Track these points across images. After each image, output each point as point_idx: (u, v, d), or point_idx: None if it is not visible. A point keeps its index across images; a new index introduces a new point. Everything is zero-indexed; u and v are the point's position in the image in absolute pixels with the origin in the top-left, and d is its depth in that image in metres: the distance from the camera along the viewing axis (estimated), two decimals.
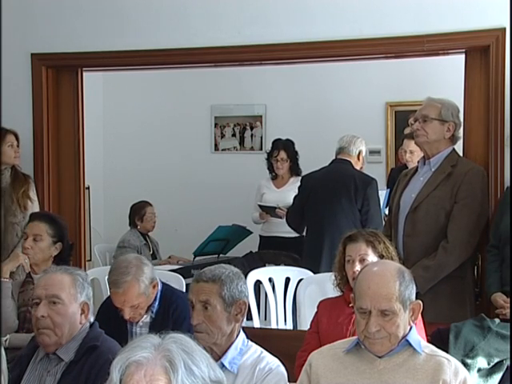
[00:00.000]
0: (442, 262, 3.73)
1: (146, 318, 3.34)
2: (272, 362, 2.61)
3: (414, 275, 3.55)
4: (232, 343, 2.61)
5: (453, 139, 3.91)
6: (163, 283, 3.47)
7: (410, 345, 2.34)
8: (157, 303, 3.37)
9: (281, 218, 5.71)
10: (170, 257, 6.10)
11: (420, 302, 2.38)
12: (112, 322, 3.23)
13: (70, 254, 3.89)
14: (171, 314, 3.31)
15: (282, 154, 5.91)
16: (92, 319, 2.79)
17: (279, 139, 6.06)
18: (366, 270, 2.42)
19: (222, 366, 2.53)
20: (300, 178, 5.59)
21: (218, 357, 2.56)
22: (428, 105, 3.92)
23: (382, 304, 2.28)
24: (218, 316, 2.59)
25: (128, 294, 3.23)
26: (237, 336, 2.64)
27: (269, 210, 5.83)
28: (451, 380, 2.26)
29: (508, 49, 3.83)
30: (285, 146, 5.93)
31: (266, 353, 2.65)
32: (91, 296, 2.79)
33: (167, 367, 1.54)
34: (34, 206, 4.37)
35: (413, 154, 5.43)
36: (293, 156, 5.93)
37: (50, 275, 2.76)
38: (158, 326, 3.19)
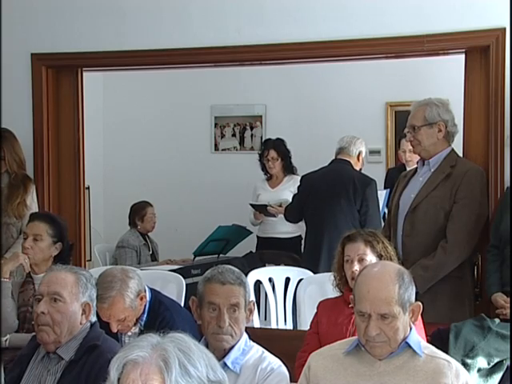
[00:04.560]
0: (441, 262, 3.73)
1: (135, 329, 3.31)
2: (274, 362, 2.62)
3: (413, 275, 3.55)
4: (235, 343, 2.62)
5: (448, 136, 3.90)
6: (153, 291, 3.43)
7: (410, 346, 2.33)
8: (145, 315, 3.32)
9: (274, 216, 5.72)
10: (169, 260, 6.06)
11: (420, 303, 2.37)
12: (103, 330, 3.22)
13: (70, 254, 3.89)
14: (157, 325, 3.23)
15: (272, 153, 5.91)
16: (94, 319, 2.78)
17: (269, 139, 6.08)
18: (365, 272, 2.41)
19: (225, 366, 2.54)
20: (294, 175, 5.62)
21: (221, 357, 2.57)
22: (413, 112, 3.92)
23: (382, 308, 2.27)
24: (242, 318, 2.62)
25: (113, 309, 3.19)
26: (241, 336, 2.65)
27: (261, 209, 5.83)
28: (453, 383, 2.26)
29: (508, 49, 3.83)
30: (274, 145, 5.93)
31: (267, 353, 2.66)
32: (95, 297, 2.78)
33: (162, 366, 1.54)
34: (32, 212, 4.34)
35: (412, 153, 5.43)
36: (284, 154, 5.92)
37: (55, 273, 2.76)
38: None
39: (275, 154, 5.90)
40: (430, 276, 3.70)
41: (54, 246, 3.73)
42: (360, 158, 5.00)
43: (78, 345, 2.69)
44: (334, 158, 5.01)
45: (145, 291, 3.33)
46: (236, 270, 2.68)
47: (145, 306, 3.32)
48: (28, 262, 3.67)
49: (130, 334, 3.31)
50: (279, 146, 5.92)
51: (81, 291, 2.71)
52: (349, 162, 4.90)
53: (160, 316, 3.32)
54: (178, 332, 1.64)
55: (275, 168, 5.93)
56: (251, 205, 5.92)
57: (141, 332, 3.28)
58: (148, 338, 1.61)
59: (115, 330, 3.22)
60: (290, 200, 5.34)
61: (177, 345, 1.58)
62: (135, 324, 3.31)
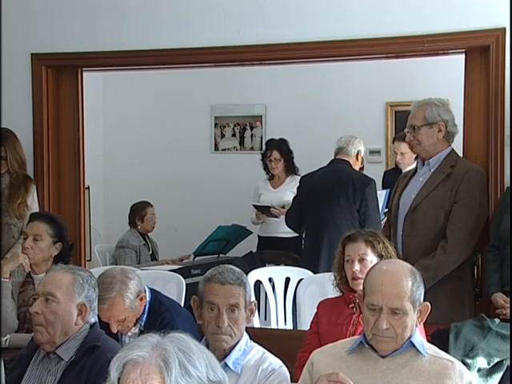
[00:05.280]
0: (441, 262, 3.73)
1: (135, 330, 3.31)
2: (275, 362, 2.62)
3: None
4: (236, 344, 2.62)
5: (448, 136, 3.90)
6: (153, 292, 3.43)
7: (414, 346, 2.33)
8: (145, 316, 3.32)
9: (276, 216, 5.72)
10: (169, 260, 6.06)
11: (428, 304, 2.37)
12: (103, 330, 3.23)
13: (70, 254, 3.89)
14: (158, 325, 3.23)
15: (275, 154, 5.91)
16: (93, 320, 2.77)
17: (272, 139, 6.08)
18: (377, 266, 2.42)
19: (226, 366, 2.54)
20: (297, 176, 5.60)
21: (222, 357, 2.57)
22: (414, 112, 3.92)
23: (394, 302, 2.27)
24: (242, 318, 2.62)
25: (113, 310, 3.19)
26: (241, 337, 2.64)
27: (264, 210, 5.83)
28: (457, 383, 2.26)
29: (508, 49, 3.83)
30: (277, 146, 5.93)
31: (268, 353, 2.66)
32: (94, 297, 2.76)
33: (162, 366, 1.54)
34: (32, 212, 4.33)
35: (403, 155, 5.50)
36: (287, 155, 5.92)
37: (53, 273, 2.76)
38: None
39: (278, 155, 5.91)
40: (429, 276, 3.68)
41: (54, 246, 3.73)
42: (359, 158, 4.99)
43: (77, 345, 2.68)
44: (333, 158, 5.01)
45: (144, 292, 3.33)
46: (237, 270, 2.68)
47: (145, 306, 3.32)
48: (28, 261, 3.66)
49: (129, 334, 3.31)
50: (282, 146, 5.92)
51: (76, 292, 2.69)
52: (348, 161, 4.90)
53: (160, 316, 3.32)
54: (178, 332, 1.64)
55: (278, 169, 5.93)
56: (254, 206, 5.92)
57: (141, 332, 3.27)
58: (148, 338, 1.61)
59: (115, 331, 3.21)
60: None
61: (177, 345, 1.58)
62: (135, 324, 3.31)
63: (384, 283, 2.30)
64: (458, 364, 2.33)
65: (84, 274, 2.77)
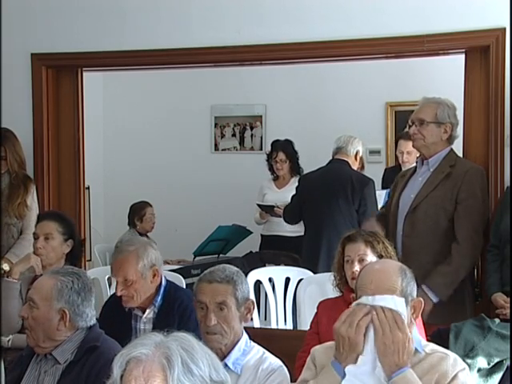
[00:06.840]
0: (459, 265, 3.70)
1: (150, 314, 3.30)
2: (274, 362, 2.62)
3: (433, 284, 3.52)
4: (236, 344, 2.62)
5: (450, 139, 3.90)
6: (168, 281, 3.43)
7: None
8: (159, 298, 3.32)
9: (280, 216, 5.73)
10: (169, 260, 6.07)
11: (421, 299, 2.38)
12: (116, 320, 3.23)
13: (82, 249, 3.89)
14: (176, 308, 3.27)
15: (281, 155, 5.93)
16: (83, 323, 2.72)
17: (278, 140, 6.07)
18: (367, 267, 2.43)
19: (225, 366, 2.54)
20: None
21: (222, 357, 2.57)
22: (424, 107, 3.90)
23: (386, 294, 2.27)
24: (232, 316, 2.61)
25: (125, 265, 3.20)
26: (240, 337, 2.65)
27: (267, 209, 5.85)
28: (448, 370, 2.26)
29: (508, 49, 3.83)
30: (283, 147, 5.94)
31: (268, 353, 2.66)
32: (79, 302, 2.68)
33: (164, 364, 1.55)
34: (32, 214, 4.32)
35: (410, 154, 5.45)
36: (292, 156, 5.94)
37: (42, 277, 2.77)
38: (162, 321, 3.19)
39: (284, 157, 5.93)
40: (449, 282, 3.66)
41: (66, 243, 3.72)
42: (357, 158, 5.00)
43: (74, 347, 2.68)
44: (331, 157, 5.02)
45: (158, 271, 3.32)
46: (231, 269, 2.67)
47: (159, 289, 3.32)
48: (40, 264, 3.64)
49: (144, 319, 3.31)
50: (288, 147, 5.94)
51: (55, 297, 2.66)
52: (346, 161, 4.90)
53: (178, 300, 3.31)
54: (183, 328, 1.64)
55: (283, 170, 5.96)
56: (258, 205, 5.93)
57: (156, 316, 3.28)
58: (152, 337, 1.62)
59: (119, 293, 3.21)
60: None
61: (180, 343, 1.59)
62: (149, 307, 3.30)
63: (373, 281, 2.31)
64: (453, 355, 2.33)
65: (66, 278, 2.70)
